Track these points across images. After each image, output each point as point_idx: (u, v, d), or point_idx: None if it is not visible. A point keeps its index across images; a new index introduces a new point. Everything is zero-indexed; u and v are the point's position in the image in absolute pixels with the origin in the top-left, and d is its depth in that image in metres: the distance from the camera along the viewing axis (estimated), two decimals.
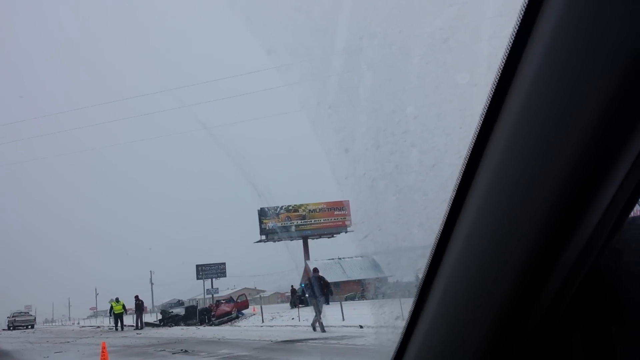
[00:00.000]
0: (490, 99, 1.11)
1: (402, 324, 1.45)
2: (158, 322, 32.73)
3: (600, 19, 0.83)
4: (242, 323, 25.70)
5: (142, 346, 15.79)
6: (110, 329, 31.76)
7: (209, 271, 49.27)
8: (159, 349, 14.15)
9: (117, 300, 30.29)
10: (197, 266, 48.59)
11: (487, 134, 1.13)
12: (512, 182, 0.94)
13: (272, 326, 21.10)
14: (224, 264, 50.85)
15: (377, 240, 2.10)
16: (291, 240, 52.93)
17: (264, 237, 52.08)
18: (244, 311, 29.49)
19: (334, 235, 51.50)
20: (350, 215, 49.68)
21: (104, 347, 11.16)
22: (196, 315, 29.82)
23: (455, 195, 1.22)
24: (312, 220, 51.77)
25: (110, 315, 30.37)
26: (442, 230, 1.25)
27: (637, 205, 0.97)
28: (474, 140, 1.16)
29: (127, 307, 31.18)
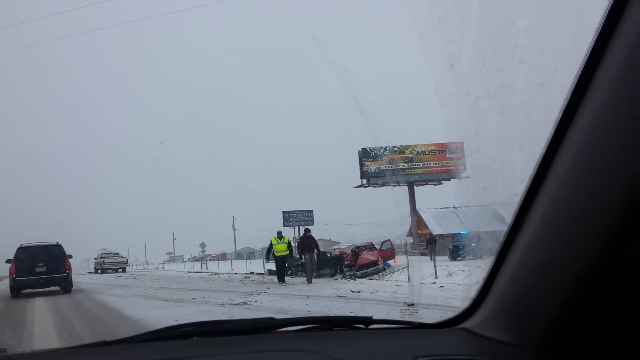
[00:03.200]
0: (607, 12, 1.10)
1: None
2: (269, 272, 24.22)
3: None
4: (394, 277, 19.51)
5: None
6: (263, 276, 24.22)
7: (296, 218, 46.07)
8: None
9: (279, 236, 19.96)
10: (284, 213, 45.76)
11: (601, 51, 1.13)
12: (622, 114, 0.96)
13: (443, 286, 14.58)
14: (311, 211, 47.49)
15: (475, 163, 2.15)
16: (395, 185, 47.05)
17: (364, 181, 46.89)
18: (389, 262, 22.93)
19: (442, 182, 45.88)
20: (464, 158, 46.11)
21: None
22: (332, 264, 22.81)
23: (560, 119, 1.24)
24: (420, 163, 45.91)
25: (269, 259, 20.84)
26: (541, 162, 1.29)
27: None
28: (586, 58, 1.17)
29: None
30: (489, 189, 1.95)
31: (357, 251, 23.31)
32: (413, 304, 10.22)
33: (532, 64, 1.33)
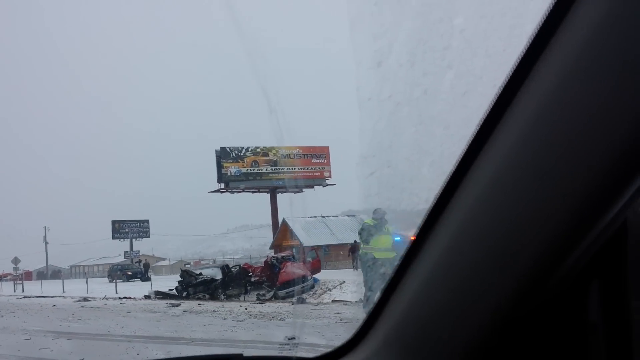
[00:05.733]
0: (543, 20, 1.09)
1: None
2: (175, 291, 20.51)
3: None
4: (334, 296, 16.14)
5: None
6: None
7: (127, 229, 41.06)
8: None
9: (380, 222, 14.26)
10: (114, 222, 41.12)
11: (532, 61, 1.11)
12: (543, 129, 0.94)
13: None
14: (147, 221, 43.10)
15: (383, 180, 2.12)
16: (255, 192, 42.48)
17: (222, 185, 41.68)
18: (317, 276, 19.29)
19: (303, 190, 41.99)
20: (330, 164, 41.89)
21: None
22: (243, 280, 18.90)
23: (476, 135, 1.21)
24: (285, 167, 42.22)
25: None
26: (453, 173, 1.25)
27: None
28: (513, 68, 1.14)
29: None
30: (392, 207, 1.92)
31: (275, 263, 18.57)
32: (294, 337, 9.44)
33: (460, 69, 1.32)
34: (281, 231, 42.09)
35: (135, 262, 43.06)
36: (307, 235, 41.49)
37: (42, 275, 54.25)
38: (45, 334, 11.80)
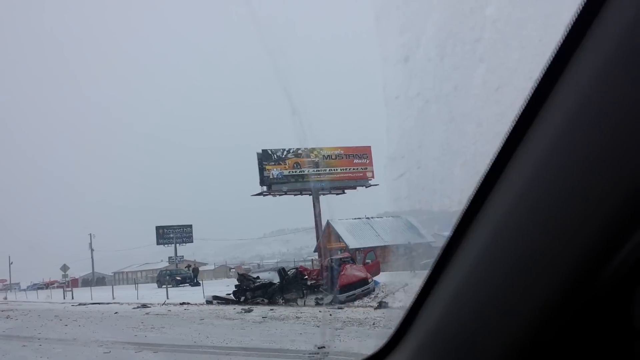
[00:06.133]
0: (581, 8, 1.01)
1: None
2: (232, 296, 19.91)
3: None
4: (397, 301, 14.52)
5: None
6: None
7: (172, 235, 40.98)
8: None
9: None
10: (158, 228, 40.82)
11: (570, 52, 1.04)
12: (583, 129, 0.87)
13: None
14: (190, 226, 42.66)
15: (413, 182, 2.05)
16: (297, 194, 41.76)
17: (264, 188, 40.92)
18: (377, 278, 18.26)
19: (345, 192, 41.55)
20: (372, 164, 40.47)
21: None
22: (299, 284, 17.98)
23: (511, 132, 1.14)
24: (327, 168, 40.95)
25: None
26: (487, 173, 1.18)
27: None
28: (550, 60, 1.07)
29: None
30: (423, 210, 1.85)
31: (333, 266, 17.79)
32: (323, 346, 9.26)
33: (492, 63, 1.24)
34: (325, 234, 41.17)
35: (185, 267, 43.38)
36: (352, 238, 40.75)
37: (86, 282, 55.25)
38: (125, 346, 10.71)
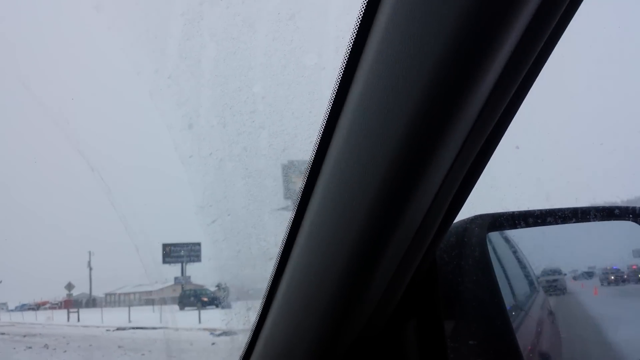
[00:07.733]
0: (338, 84, 1.11)
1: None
2: None
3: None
4: None
5: None
6: None
7: (182, 253, 37.89)
8: None
9: None
10: (165, 246, 37.24)
11: (334, 120, 1.14)
12: (346, 178, 0.97)
13: None
14: (198, 244, 39.28)
15: (227, 227, 2.07)
16: None
17: (290, 202, 39.86)
18: None
19: None
20: None
21: None
22: None
23: (304, 186, 1.22)
24: None
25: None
26: (291, 225, 1.26)
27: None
28: (322, 127, 1.16)
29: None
30: (243, 251, 1.91)
31: None
32: None
33: (273, 129, 1.30)
34: None
35: (215, 287, 37.35)
36: None
37: (78, 303, 46.86)
38: None
